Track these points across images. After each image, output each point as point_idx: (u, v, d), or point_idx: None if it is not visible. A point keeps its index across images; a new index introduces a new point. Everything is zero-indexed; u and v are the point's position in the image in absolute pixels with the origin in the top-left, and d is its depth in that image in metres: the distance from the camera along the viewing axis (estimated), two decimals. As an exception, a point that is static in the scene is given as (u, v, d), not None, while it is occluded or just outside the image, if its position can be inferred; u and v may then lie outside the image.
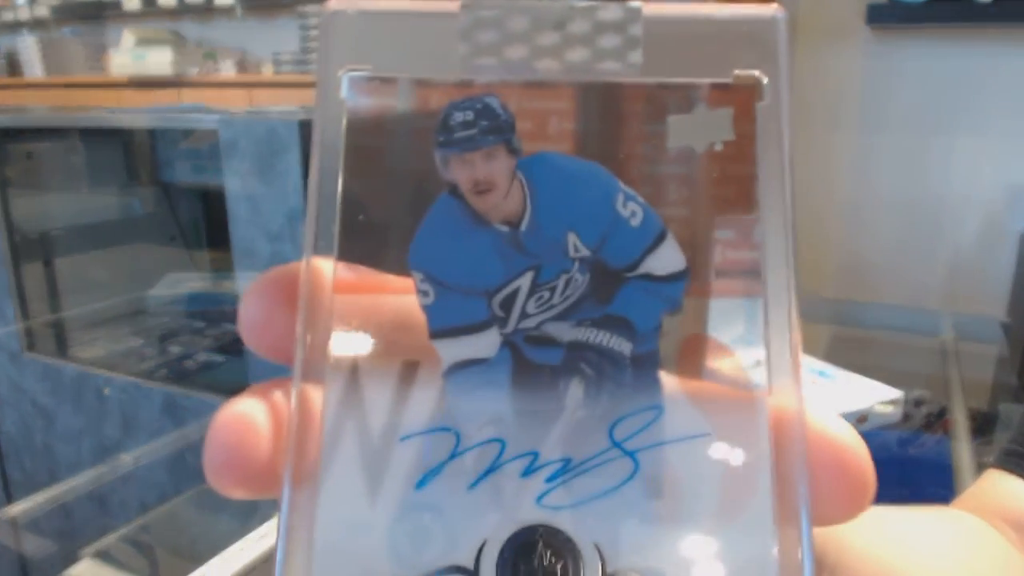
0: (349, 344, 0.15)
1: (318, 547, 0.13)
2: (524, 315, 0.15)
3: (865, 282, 1.42)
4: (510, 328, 0.15)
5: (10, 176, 1.84)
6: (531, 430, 0.14)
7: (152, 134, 1.92)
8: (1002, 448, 0.32)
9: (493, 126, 0.15)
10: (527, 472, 0.14)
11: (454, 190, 0.15)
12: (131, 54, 2.76)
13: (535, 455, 0.14)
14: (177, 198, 1.97)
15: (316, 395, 0.14)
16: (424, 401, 0.14)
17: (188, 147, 1.85)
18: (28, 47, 3.05)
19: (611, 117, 0.16)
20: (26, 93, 3.02)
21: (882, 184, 1.38)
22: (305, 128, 1.32)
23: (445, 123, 0.15)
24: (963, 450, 0.78)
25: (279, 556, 0.13)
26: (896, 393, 0.81)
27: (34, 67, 3.06)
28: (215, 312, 1.85)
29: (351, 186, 0.15)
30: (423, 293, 0.15)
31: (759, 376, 0.14)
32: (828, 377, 0.85)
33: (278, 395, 0.15)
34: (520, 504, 0.14)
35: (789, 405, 0.14)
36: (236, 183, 1.41)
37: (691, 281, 0.15)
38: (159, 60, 2.70)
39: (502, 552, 0.14)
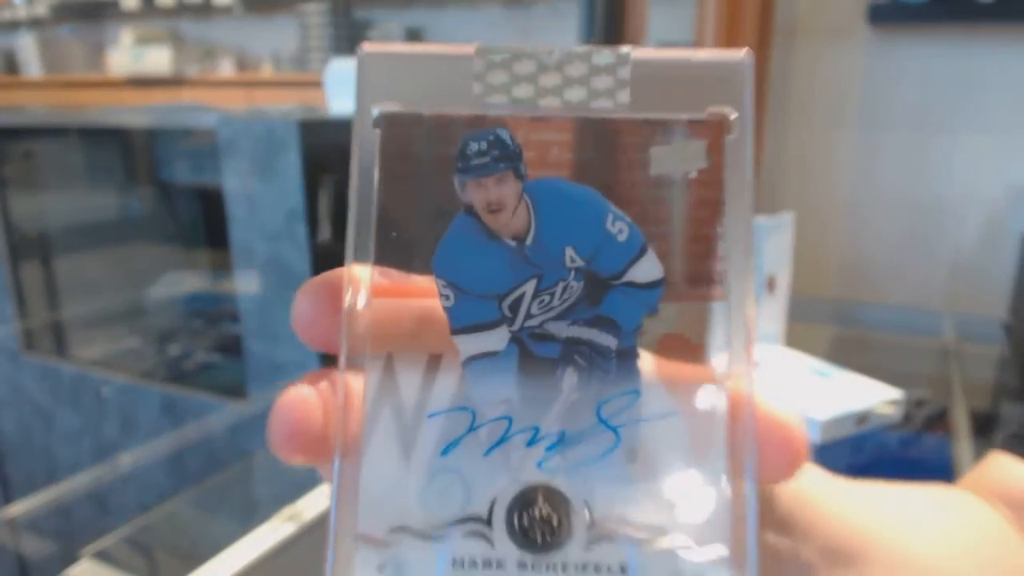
0: (385, 339, 0.18)
1: (363, 502, 0.17)
2: (529, 315, 0.18)
3: (866, 282, 1.41)
4: (517, 326, 0.18)
5: (8, 175, 1.84)
6: (534, 409, 0.17)
7: (151, 133, 1.92)
8: (1010, 432, 0.32)
9: (503, 155, 0.18)
10: (530, 443, 0.17)
11: (470, 210, 0.18)
12: (129, 53, 2.76)
13: (537, 429, 0.17)
14: (176, 198, 1.97)
15: (358, 381, 0.17)
16: (447, 386, 0.17)
17: (187, 146, 1.85)
18: (26, 46, 3.05)
19: (603, 148, 0.18)
20: (24, 92, 3.02)
21: (883, 184, 1.37)
22: (304, 127, 1.31)
23: (462, 152, 0.18)
24: (964, 451, 0.78)
25: (332, 511, 0.17)
26: (897, 393, 0.80)
27: (32, 66, 3.06)
28: (214, 312, 1.85)
29: (384, 206, 0.18)
30: (445, 297, 0.18)
31: (720, 367, 0.17)
32: (828, 377, 0.85)
33: (326, 382, 0.18)
34: (524, 468, 0.17)
35: (743, 389, 0.17)
36: (235, 182, 1.40)
37: (667, 288, 0.18)
38: (157, 59, 2.70)
39: (510, 506, 0.17)
